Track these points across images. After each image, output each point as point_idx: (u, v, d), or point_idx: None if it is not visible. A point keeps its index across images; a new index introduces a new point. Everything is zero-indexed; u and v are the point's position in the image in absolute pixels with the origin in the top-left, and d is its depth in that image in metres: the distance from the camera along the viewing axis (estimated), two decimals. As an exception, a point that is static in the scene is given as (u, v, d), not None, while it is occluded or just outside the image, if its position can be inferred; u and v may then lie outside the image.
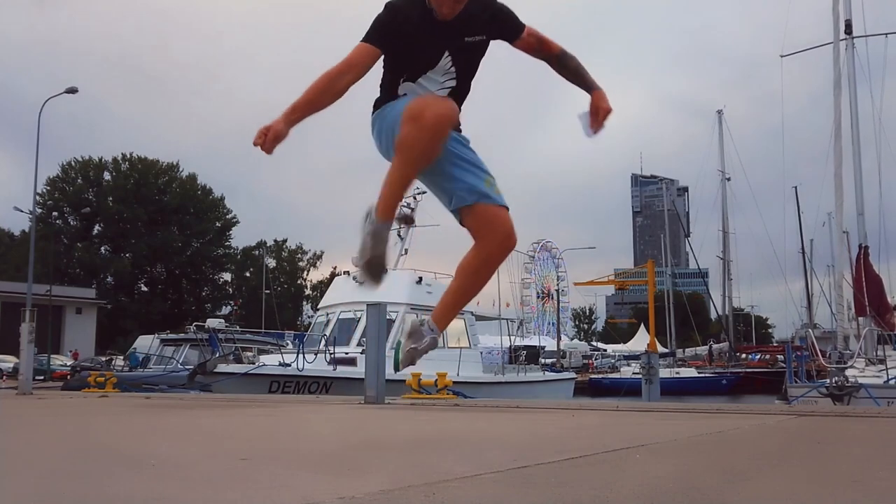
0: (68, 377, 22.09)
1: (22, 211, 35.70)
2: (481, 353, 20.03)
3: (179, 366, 19.74)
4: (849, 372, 14.96)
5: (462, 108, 2.92)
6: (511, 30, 2.90)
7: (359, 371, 13.92)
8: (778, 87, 47.17)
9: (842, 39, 21.16)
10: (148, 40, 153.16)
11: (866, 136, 21.70)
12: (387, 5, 2.81)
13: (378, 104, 2.89)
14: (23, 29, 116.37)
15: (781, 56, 25.57)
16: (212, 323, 21.91)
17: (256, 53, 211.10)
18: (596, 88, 2.97)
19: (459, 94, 2.90)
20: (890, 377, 14.04)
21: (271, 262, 67.85)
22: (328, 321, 18.00)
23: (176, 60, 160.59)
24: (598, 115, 2.92)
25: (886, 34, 22.65)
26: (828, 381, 13.90)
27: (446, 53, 2.80)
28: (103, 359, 31.07)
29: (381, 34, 2.77)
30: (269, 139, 2.63)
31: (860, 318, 19.41)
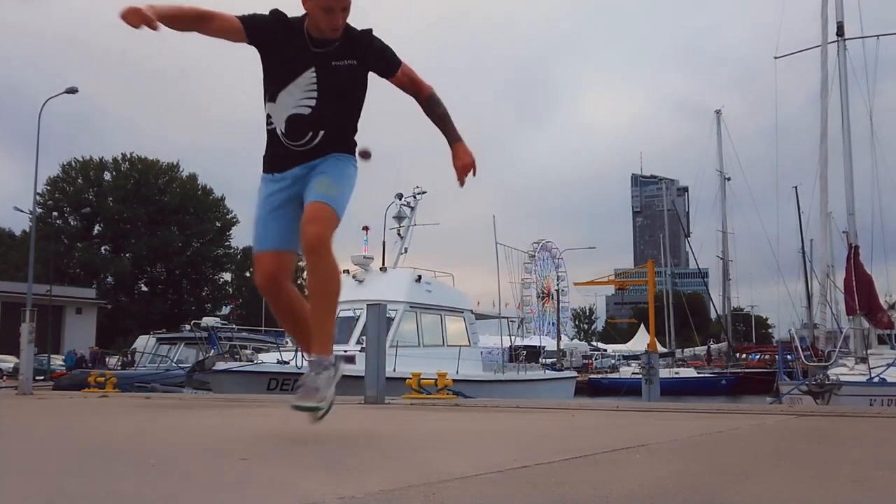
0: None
1: (22, 211, 35.75)
2: (481, 352, 19.99)
3: (174, 364, 19.74)
4: (837, 370, 15.04)
5: (358, 127, 3.04)
6: (385, 67, 2.99)
7: (357, 369, 13.86)
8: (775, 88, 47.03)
9: (832, 42, 21.13)
10: (149, 39, 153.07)
11: (860, 137, 21.72)
12: (271, 10, 2.93)
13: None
14: (23, 28, 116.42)
15: (775, 58, 25.61)
16: (208, 321, 21.88)
17: (257, 54, 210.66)
18: (456, 141, 2.97)
19: (324, 115, 2.94)
20: (873, 375, 14.09)
21: (271, 262, 67.61)
22: (328, 320, 17.95)
23: (177, 60, 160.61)
24: (458, 171, 2.95)
25: (878, 36, 22.61)
26: (810, 378, 14.04)
27: (312, 70, 2.90)
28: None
29: (252, 19, 2.88)
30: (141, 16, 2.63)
31: (850, 318, 19.40)
